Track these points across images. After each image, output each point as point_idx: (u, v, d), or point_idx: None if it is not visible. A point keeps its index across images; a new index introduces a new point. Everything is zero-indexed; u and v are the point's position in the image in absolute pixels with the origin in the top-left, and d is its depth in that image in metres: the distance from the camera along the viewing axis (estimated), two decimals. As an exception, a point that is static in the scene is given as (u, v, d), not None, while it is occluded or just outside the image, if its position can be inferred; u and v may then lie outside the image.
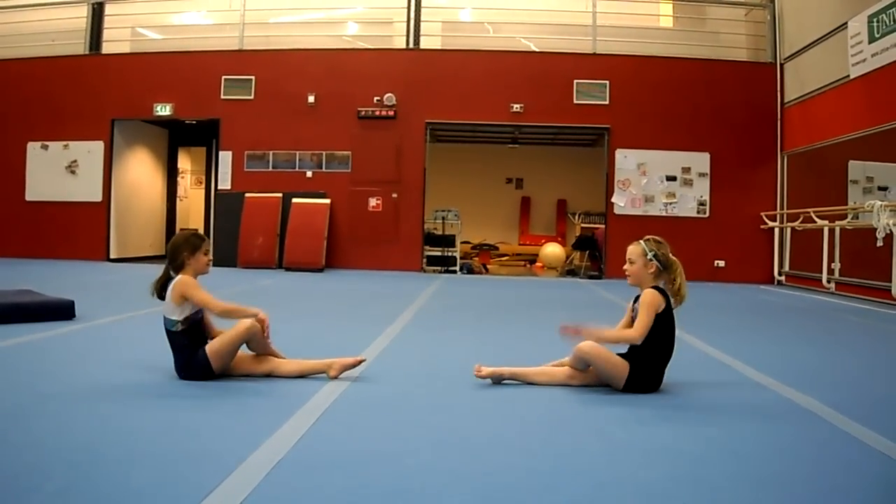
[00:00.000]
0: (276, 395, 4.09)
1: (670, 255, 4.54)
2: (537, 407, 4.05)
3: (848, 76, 12.34)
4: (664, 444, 3.39)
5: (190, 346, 4.44)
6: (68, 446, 3.06)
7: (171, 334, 4.48)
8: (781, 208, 14.85)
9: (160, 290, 4.52)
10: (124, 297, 9.04)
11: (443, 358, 5.58)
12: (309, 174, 15.52)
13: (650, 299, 4.38)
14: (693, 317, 8.74)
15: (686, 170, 14.97)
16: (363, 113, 15.39)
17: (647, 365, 4.41)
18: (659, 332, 4.36)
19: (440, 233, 16.11)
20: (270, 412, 3.65)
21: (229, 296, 9.81)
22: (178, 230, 18.60)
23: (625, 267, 4.61)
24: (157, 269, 4.78)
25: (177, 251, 4.55)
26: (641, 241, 4.58)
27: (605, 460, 3.13)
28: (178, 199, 19.19)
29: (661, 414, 3.97)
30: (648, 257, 4.49)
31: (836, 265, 12.50)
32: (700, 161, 14.94)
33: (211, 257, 4.77)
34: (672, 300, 4.46)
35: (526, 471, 2.93)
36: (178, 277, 4.48)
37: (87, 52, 16.32)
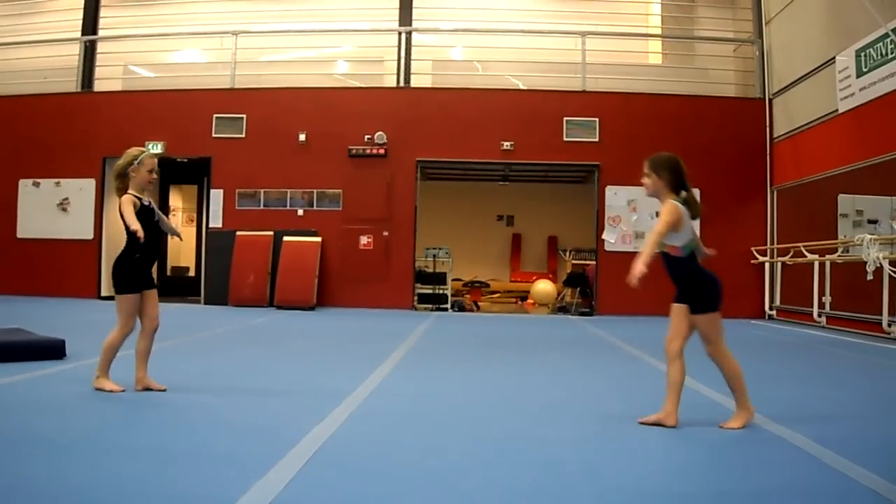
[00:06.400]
0: (266, 438, 4.05)
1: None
2: (529, 447, 4.02)
3: (836, 111, 12.45)
4: (654, 485, 3.37)
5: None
6: (59, 489, 3.03)
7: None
8: (771, 243, 14.91)
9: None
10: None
11: (434, 398, 5.55)
12: (300, 212, 15.54)
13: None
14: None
15: (676, 205, 14.97)
16: (354, 151, 15.45)
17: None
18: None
19: (431, 270, 16.11)
20: (260, 455, 3.61)
21: (221, 334, 9.79)
22: (169, 268, 18.65)
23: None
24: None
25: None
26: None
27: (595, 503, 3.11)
28: (169, 237, 19.15)
29: (651, 454, 3.96)
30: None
31: (827, 299, 12.51)
32: (690, 197, 14.95)
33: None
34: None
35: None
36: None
37: (79, 90, 16.39)
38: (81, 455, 3.58)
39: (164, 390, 5.19)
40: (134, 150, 5.29)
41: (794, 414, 5.01)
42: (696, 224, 4.87)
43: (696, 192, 4.94)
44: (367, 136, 15.45)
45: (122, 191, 5.23)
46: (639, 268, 4.35)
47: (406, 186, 15.48)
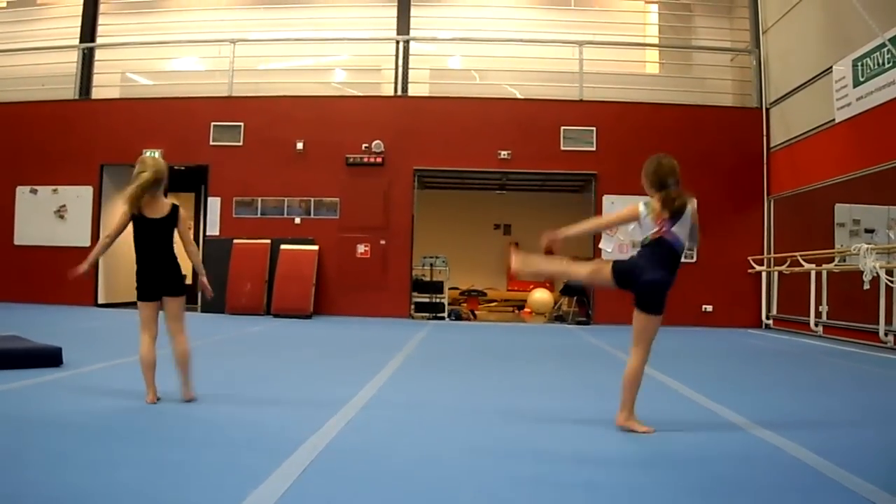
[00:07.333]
0: (263, 447, 4.05)
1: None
2: (525, 459, 4.02)
3: (833, 120, 12.48)
4: (651, 492, 3.37)
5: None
6: (55, 496, 3.03)
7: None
8: (768, 252, 14.92)
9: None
10: (112, 344, 8.98)
11: (430, 407, 5.54)
12: (297, 220, 15.53)
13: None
14: (680, 362, 8.73)
15: (673, 214, 14.97)
16: (351, 159, 15.45)
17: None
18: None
19: (428, 279, 16.09)
20: (255, 465, 3.61)
21: (218, 343, 9.78)
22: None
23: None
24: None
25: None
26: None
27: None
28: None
29: (646, 461, 3.96)
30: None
31: (824, 308, 12.53)
32: (687, 206, 14.95)
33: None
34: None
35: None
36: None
37: (76, 97, 16.40)
38: (78, 463, 3.58)
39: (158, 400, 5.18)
40: (159, 162, 5.29)
41: (789, 422, 5.01)
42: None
43: (693, 202, 4.93)
44: (364, 145, 15.45)
45: (139, 200, 5.20)
46: (563, 233, 4.44)
47: (403, 195, 15.49)
